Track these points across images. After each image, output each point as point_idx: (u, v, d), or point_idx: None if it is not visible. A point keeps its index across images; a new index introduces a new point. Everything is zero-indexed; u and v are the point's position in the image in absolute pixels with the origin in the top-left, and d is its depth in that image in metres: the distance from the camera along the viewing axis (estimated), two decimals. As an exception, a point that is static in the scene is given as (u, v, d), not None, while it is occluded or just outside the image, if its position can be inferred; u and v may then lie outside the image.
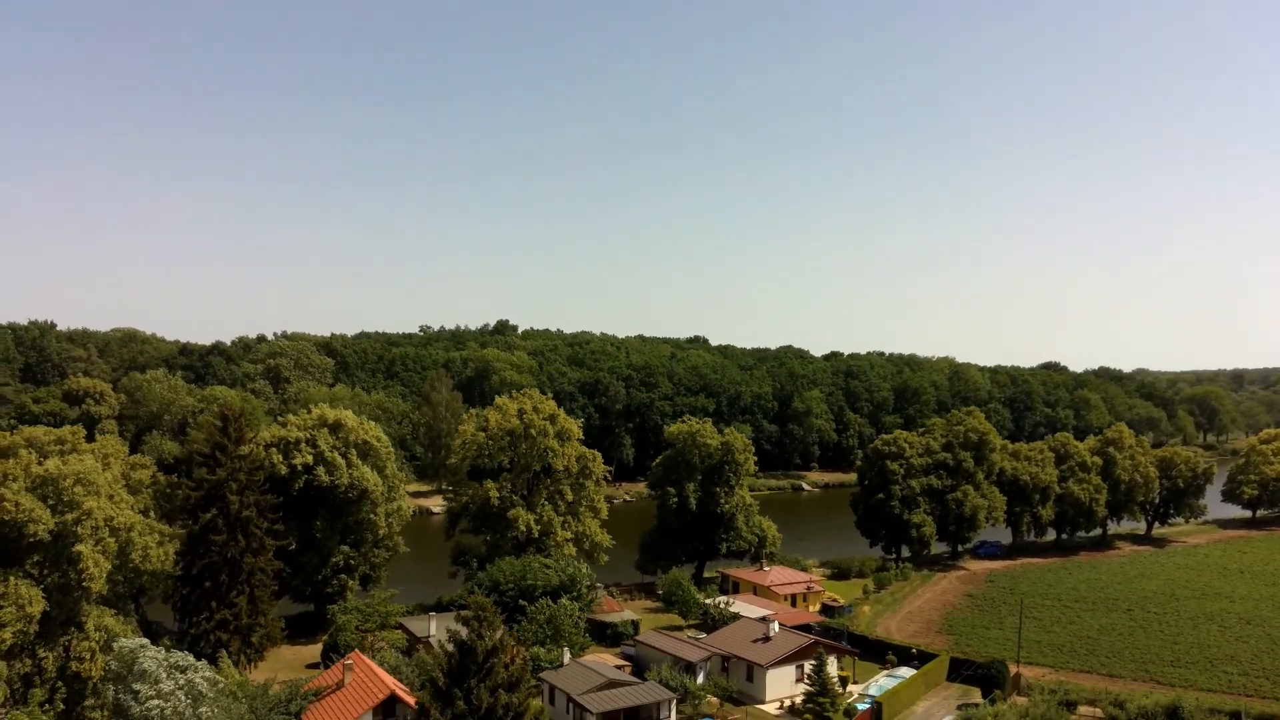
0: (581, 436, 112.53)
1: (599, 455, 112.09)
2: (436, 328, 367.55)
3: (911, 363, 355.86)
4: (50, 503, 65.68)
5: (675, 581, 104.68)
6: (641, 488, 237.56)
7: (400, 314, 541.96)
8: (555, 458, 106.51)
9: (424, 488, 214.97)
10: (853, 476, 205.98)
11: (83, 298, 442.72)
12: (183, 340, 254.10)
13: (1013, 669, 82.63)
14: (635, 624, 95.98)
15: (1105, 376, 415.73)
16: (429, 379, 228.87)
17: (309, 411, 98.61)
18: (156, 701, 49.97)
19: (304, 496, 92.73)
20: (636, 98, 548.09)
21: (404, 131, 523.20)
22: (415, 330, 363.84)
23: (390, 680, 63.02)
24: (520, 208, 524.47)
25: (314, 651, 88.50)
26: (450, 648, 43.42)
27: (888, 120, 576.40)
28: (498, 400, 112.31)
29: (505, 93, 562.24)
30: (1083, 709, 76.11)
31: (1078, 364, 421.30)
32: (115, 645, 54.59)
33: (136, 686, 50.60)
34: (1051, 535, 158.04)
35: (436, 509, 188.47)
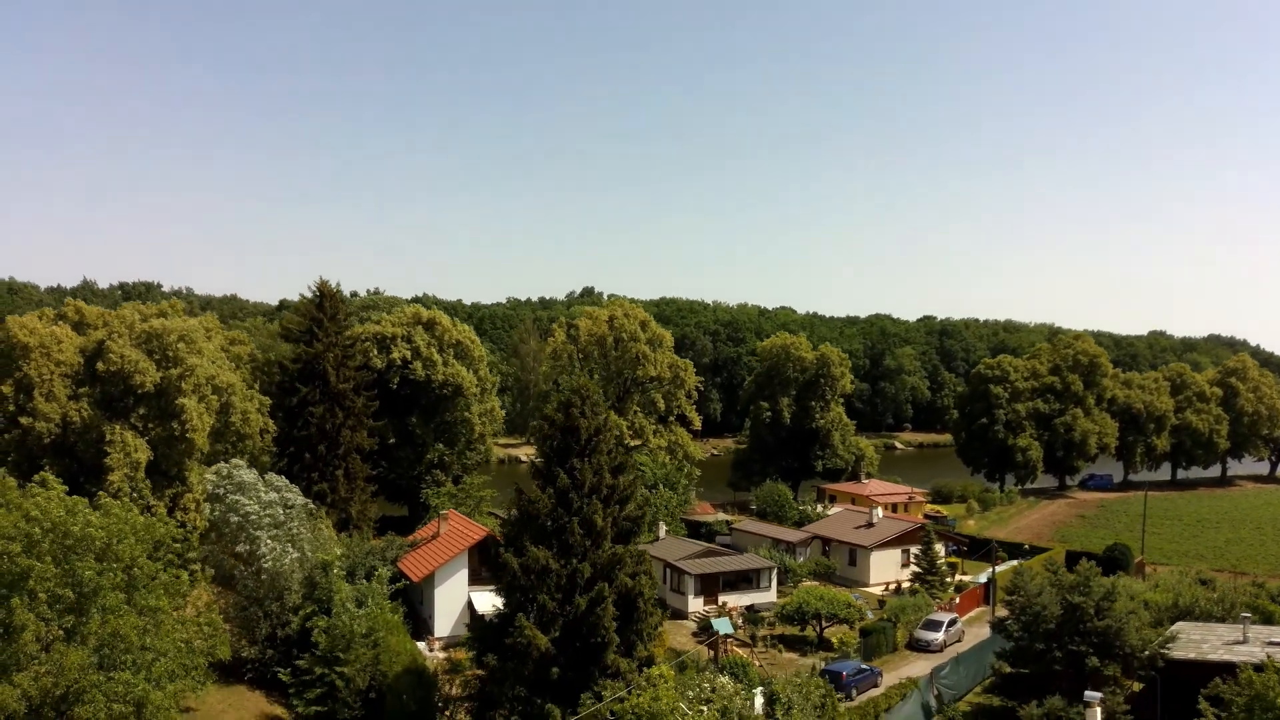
0: (673, 345, 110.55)
1: (690, 364, 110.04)
2: (523, 299, 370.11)
3: (1008, 327, 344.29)
4: (155, 357, 66.66)
5: (771, 490, 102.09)
6: (729, 443, 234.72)
7: (485, 287, 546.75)
8: (647, 364, 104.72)
9: (513, 440, 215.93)
10: (948, 437, 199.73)
11: (186, 265, 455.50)
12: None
13: (1136, 559, 77.84)
14: (729, 524, 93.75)
15: (1216, 343, 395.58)
16: (517, 332, 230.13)
17: (403, 311, 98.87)
18: (255, 507, 49.90)
19: (399, 393, 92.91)
20: (714, 69, 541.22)
21: (475, 102, 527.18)
22: (502, 300, 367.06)
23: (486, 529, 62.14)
24: (601, 179, 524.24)
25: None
26: (550, 430, 41.81)
27: (986, 79, 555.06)
28: (587, 309, 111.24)
29: (596, 63, 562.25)
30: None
31: (1184, 334, 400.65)
32: (215, 468, 54.84)
33: (235, 497, 50.62)
34: (1166, 474, 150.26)
35: (525, 457, 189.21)
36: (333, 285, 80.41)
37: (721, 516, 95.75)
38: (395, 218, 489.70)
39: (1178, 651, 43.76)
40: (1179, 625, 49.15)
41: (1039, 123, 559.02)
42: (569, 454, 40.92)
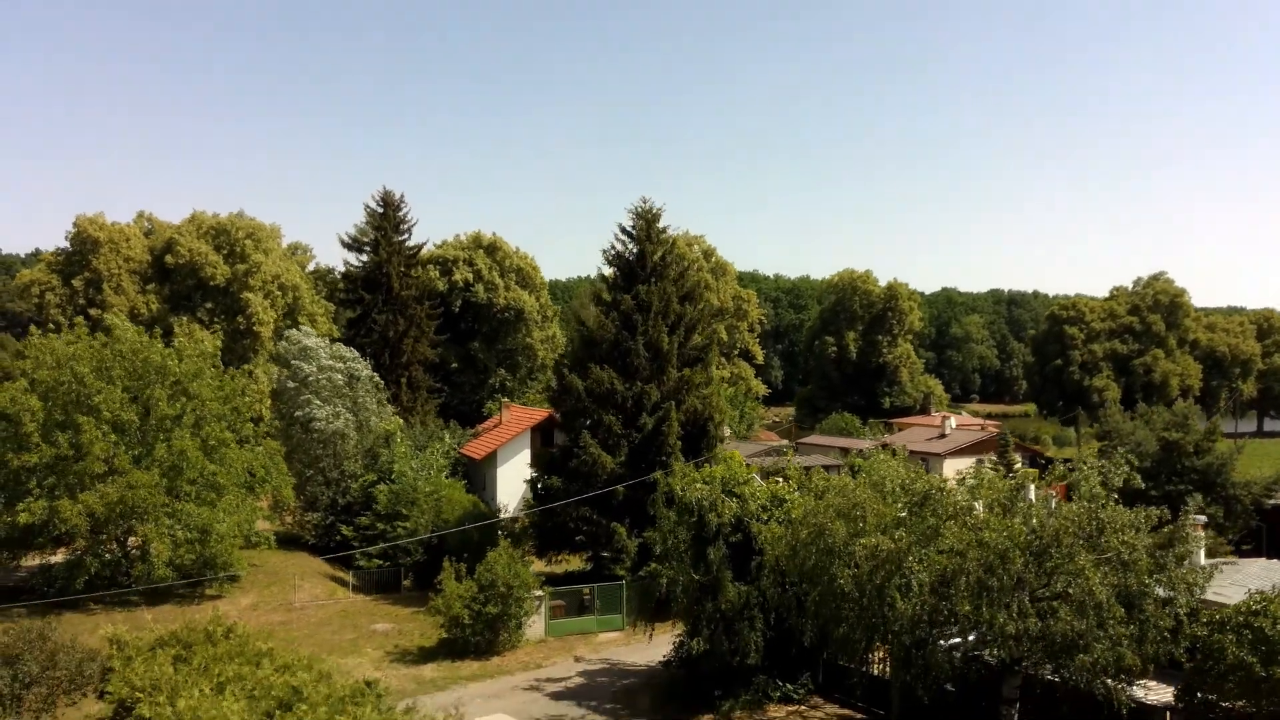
0: (738, 276, 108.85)
1: (753, 295, 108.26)
2: (582, 275, 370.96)
3: (1080, 299, 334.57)
4: (223, 252, 67.22)
5: (837, 421, 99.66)
6: (790, 410, 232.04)
7: (548, 268, 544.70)
8: (709, 293, 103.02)
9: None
10: (1017, 407, 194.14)
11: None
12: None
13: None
14: (796, 445, 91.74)
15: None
16: (578, 298, 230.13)
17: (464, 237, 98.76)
18: (315, 371, 49.76)
19: (461, 317, 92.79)
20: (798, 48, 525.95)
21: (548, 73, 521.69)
22: (562, 279, 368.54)
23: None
24: (656, 155, 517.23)
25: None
26: (614, 259, 40.55)
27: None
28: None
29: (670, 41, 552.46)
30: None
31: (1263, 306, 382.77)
32: (285, 334, 55.04)
33: (297, 362, 50.56)
34: (1252, 425, 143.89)
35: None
36: (395, 195, 79.85)
37: (786, 444, 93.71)
38: (458, 189, 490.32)
39: (1285, 498, 40.96)
40: (1285, 488, 46.23)
41: (1115, 97, 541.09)
42: (634, 280, 39.64)
